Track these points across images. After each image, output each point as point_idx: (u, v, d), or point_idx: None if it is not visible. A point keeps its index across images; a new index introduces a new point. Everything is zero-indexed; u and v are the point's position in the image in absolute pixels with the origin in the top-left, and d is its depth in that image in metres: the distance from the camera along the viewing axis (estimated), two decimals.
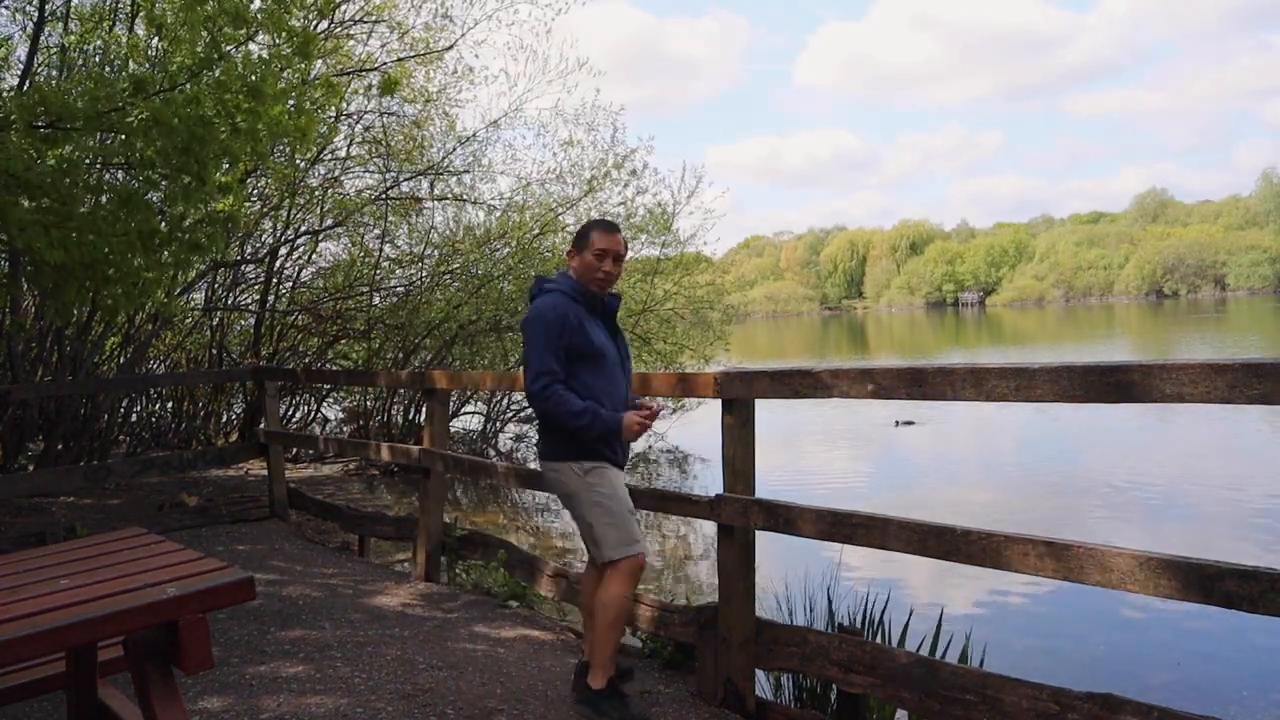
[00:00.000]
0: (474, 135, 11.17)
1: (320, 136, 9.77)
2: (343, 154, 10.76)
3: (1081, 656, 4.98)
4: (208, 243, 5.61)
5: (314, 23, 8.29)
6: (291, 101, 5.74)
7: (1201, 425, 12.73)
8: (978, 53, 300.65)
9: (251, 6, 5.34)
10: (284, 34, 5.53)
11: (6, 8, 7.51)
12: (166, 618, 1.98)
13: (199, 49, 5.20)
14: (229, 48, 5.14)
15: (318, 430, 12.65)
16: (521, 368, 3.12)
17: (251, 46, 5.64)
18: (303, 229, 10.96)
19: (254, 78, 5.06)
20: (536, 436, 3.34)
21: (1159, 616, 5.49)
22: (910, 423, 14.14)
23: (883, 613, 3.88)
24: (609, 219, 3.33)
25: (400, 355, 11.07)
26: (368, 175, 11.21)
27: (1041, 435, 13.29)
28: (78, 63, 7.35)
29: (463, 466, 5.16)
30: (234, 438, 11.28)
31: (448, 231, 11.67)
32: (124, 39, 7.13)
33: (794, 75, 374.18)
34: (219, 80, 5.04)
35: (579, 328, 3.07)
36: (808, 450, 12.62)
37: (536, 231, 10.95)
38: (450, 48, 10.27)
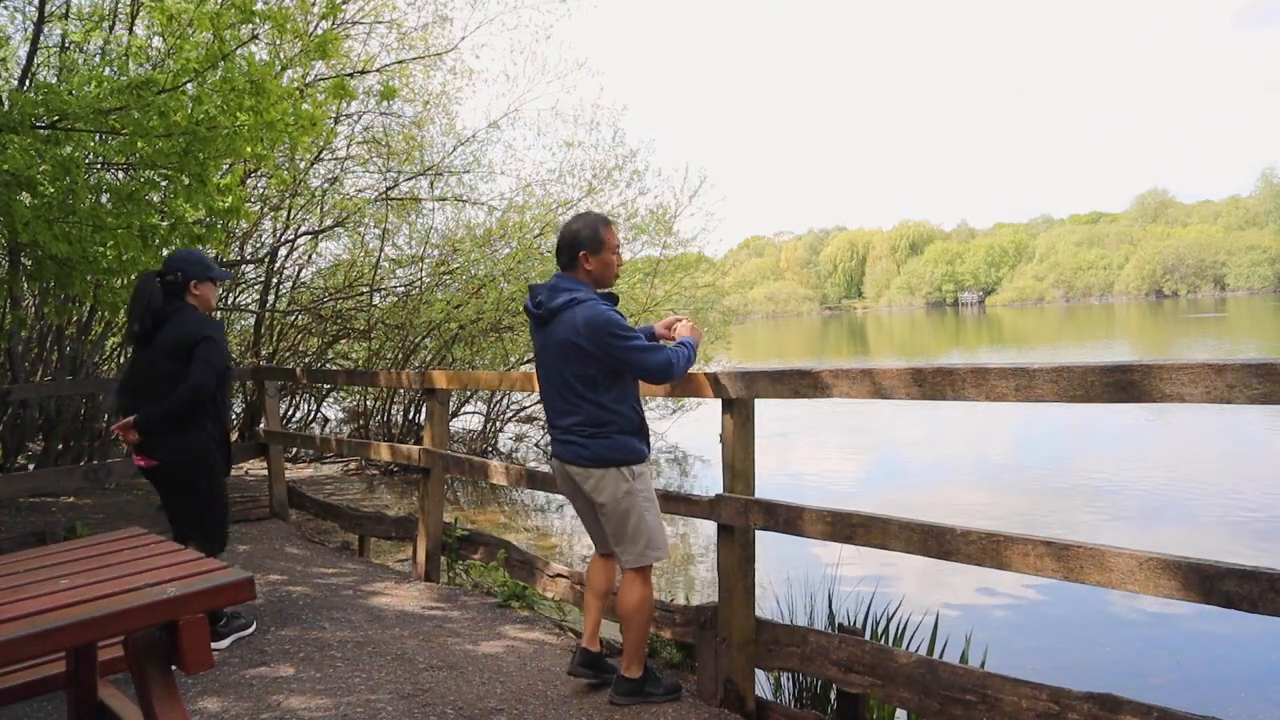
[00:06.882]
0: (474, 135, 11.18)
1: (320, 137, 9.77)
2: (343, 154, 10.75)
3: (1081, 656, 4.97)
4: (207, 234, 5.63)
5: (316, 24, 8.29)
6: (299, 100, 5.75)
7: (1200, 425, 12.73)
8: (971, 51, 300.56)
9: (256, 4, 5.34)
10: (293, 34, 5.53)
11: (6, 7, 7.50)
12: (166, 618, 1.98)
13: (205, 45, 5.20)
14: (234, 46, 5.14)
15: (318, 430, 12.65)
16: (641, 367, 3.09)
17: (255, 49, 5.64)
18: (303, 229, 10.95)
19: (255, 79, 5.06)
20: (576, 439, 3.10)
21: (1159, 616, 5.49)
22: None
23: (883, 613, 3.88)
24: (598, 213, 3.35)
25: (400, 355, 11.06)
26: (368, 175, 11.22)
27: (1033, 434, 13.28)
28: (78, 63, 7.34)
29: (463, 466, 5.16)
30: (234, 438, 11.27)
31: (448, 231, 11.67)
32: (125, 39, 7.12)
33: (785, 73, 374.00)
34: (223, 78, 5.04)
35: None
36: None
37: (537, 232, 10.95)
38: (452, 49, 10.28)
